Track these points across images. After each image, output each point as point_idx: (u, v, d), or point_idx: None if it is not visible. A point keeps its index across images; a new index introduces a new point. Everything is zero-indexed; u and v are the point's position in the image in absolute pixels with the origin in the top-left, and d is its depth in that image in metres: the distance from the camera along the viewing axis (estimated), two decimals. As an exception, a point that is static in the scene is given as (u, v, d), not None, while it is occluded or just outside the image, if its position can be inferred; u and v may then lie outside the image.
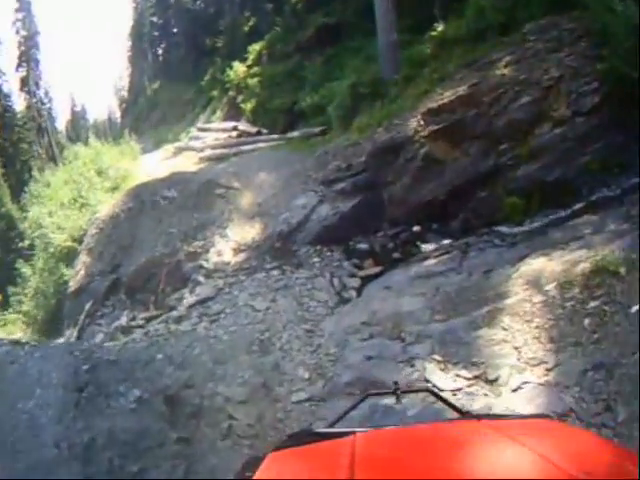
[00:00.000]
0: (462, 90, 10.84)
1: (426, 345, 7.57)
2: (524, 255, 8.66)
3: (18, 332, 20.11)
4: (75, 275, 16.62)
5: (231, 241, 12.55)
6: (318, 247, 11.54)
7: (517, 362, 6.75)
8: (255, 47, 24.93)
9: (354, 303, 9.69)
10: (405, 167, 11.61)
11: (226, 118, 24.33)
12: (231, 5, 29.64)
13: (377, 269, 10.74)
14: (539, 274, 7.81)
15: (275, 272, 10.92)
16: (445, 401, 2.87)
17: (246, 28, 27.09)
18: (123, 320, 13.48)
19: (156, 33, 39.59)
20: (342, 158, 13.11)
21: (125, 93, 45.14)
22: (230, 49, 27.48)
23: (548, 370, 6.49)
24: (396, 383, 3.14)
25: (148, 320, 12.46)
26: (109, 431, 7.36)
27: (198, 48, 33.52)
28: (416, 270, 9.91)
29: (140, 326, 12.53)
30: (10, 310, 21.26)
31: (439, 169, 11.14)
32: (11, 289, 21.27)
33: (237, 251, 12.22)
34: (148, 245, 14.65)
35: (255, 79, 23.01)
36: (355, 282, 10.40)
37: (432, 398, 4.60)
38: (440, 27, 13.54)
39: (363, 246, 11.50)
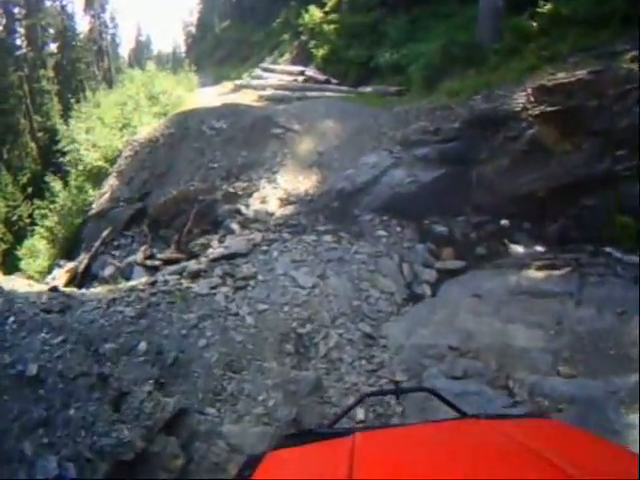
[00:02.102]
0: (582, 75, 8.63)
1: (548, 410, 4.91)
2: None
3: (40, 246, 18.28)
4: (99, 197, 14.24)
5: (280, 189, 9.82)
6: (385, 218, 8.76)
7: None
8: (335, -7, 21.75)
9: (430, 305, 7.01)
10: (504, 147, 9.10)
11: (294, 62, 21.54)
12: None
13: (458, 263, 8.01)
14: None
15: (328, 238, 8.16)
16: (445, 401, 2.45)
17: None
18: (138, 256, 10.98)
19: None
20: (429, 120, 10.24)
21: (193, 29, 42.49)
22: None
23: None
24: (396, 383, 3.71)
25: (165, 262, 9.95)
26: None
27: (272, -8, 30.45)
28: (516, 281, 7.21)
29: (155, 267, 10.11)
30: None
31: (544, 159, 8.72)
32: (37, 202, 19.02)
33: (285, 202, 9.47)
34: (184, 177, 12.18)
35: (332, 26, 20.16)
36: (430, 275, 7.68)
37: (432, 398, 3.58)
38: (547, 5, 11.43)
39: (441, 229, 8.71)
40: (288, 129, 11.63)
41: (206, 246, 8.99)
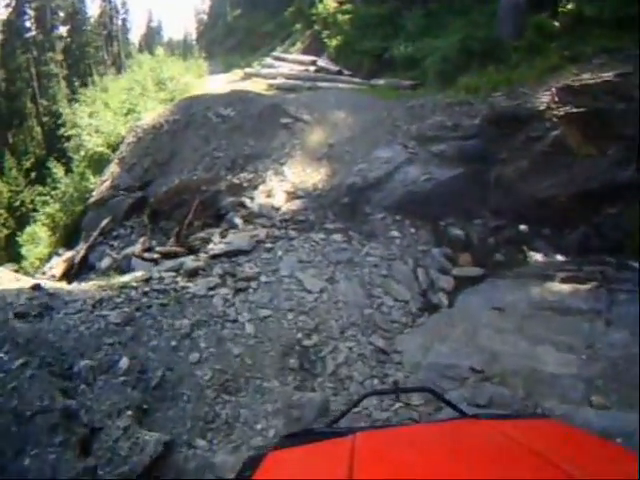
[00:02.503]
0: (608, 76, 8.25)
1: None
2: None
3: (41, 233, 17.71)
4: (100, 185, 13.59)
5: (287, 182, 9.16)
6: (398, 217, 8.10)
7: None
8: (351, -16, 20.98)
9: (448, 317, 6.37)
10: (526, 147, 8.53)
11: (306, 52, 20.79)
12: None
13: (476, 271, 7.37)
14: None
15: (338, 237, 7.50)
16: (445, 401, 2.51)
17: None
18: (136, 248, 10.38)
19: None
20: (446, 115, 9.56)
21: (204, 16, 41.74)
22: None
23: None
24: (396, 382, 3.51)
25: (163, 256, 9.34)
26: None
27: (285, -18, 29.63)
28: (540, 294, 6.58)
29: (153, 260, 9.49)
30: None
31: (567, 162, 8.19)
32: (39, 188, 18.42)
33: (292, 196, 8.81)
34: (187, 166, 11.56)
35: (346, 16, 19.51)
36: (447, 282, 7.03)
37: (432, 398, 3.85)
38: (569, 5, 11.16)
39: (457, 232, 8.07)
40: (298, 119, 10.95)
41: (207, 241, 8.35)
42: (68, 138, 17.40)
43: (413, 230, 7.81)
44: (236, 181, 9.68)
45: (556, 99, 8.49)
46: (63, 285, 8.11)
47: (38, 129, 27.36)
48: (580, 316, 6.03)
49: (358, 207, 8.36)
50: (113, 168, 13.40)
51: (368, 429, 1.96)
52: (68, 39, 31.49)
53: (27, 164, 26.11)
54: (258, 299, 6.05)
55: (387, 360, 5.25)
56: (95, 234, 12.29)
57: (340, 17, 19.71)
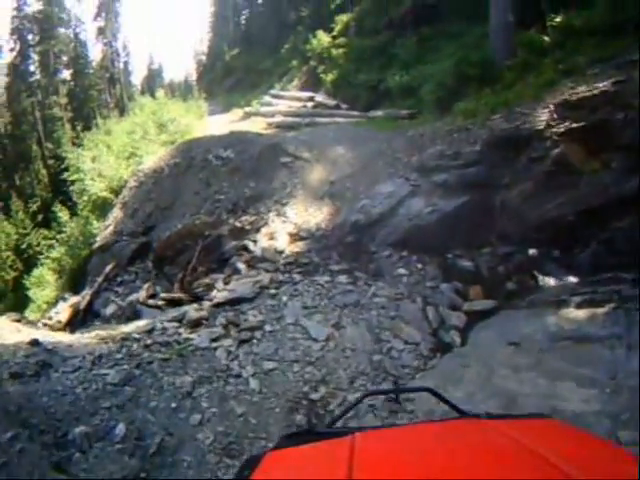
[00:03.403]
0: (605, 86, 7.87)
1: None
2: None
3: (48, 277, 17.53)
4: (104, 230, 13.43)
5: (290, 223, 8.91)
6: (404, 253, 7.81)
7: None
8: (343, 18, 21.61)
9: (461, 357, 5.96)
10: (529, 169, 8.19)
11: (303, 88, 20.85)
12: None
13: (488, 303, 6.99)
14: None
15: (343, 278, 7.20)
16: (445, 401, 2.35)
17: (332, 3, 23.27)
18: (141, 295, 10.11)
19: (240, 1, 36.39)
20: (446, 143, 9.34)
21: (203, 57, 42.17)
22: (315, 20, 23.96)
23: None
24: (396, 382, 3.49)
25: (168, 303, 9.09)
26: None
27: (281, 19, 30.19)
28: (556, 323, 6.15)
29: (157, 307, 9.23)
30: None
31: (571, 180, 7.82)
32: (44, 231, 18.34)
33: (295, 238, 8.55)
34: (189, 210, 11.33)
35: (340, 50, 19.62)
36: (458, 319, 6.64)
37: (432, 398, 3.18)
38: (558, 18, 10.88)
39: (466, 264, 7.73)
40: (297, 157, 10.77)
41: (210, 287, 8.07)
42: (72, 182, 17.33)
43: (420, 266, 7.50)
44: (238, 224, 9.45)
45: (554, 116, 8.19)
46: (64, 337, 7.79)
47: (44, 172, 27.37)
48: (600, 343, 5.58)
49: (363, 245, 8.09)
50: (116, 213, 13.23)
51: (367, 429, 1.91)
52: (72, 83, 31.75)
53: (34, 207, 26.03)
54: (262, 350, 5.71)
55: (399, 410, 4.87)
56: (100, 280, 12.04)
57: (334, 51, 19.83)
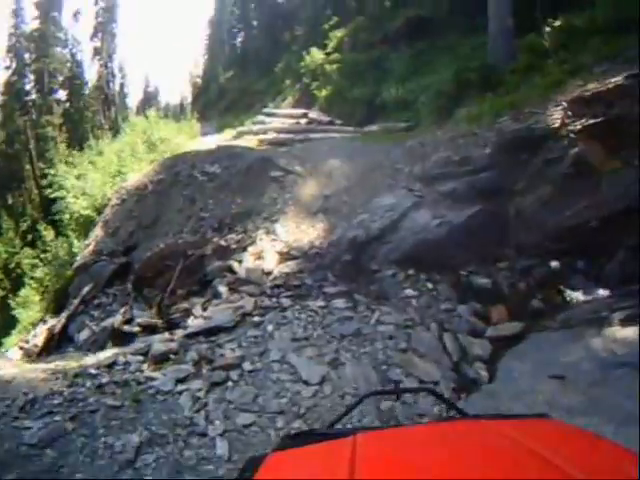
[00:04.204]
0: (617, 81, 7.15)
1: None
2: None
3: (33, 297, 16.27)
4: (84, 249, 12.17)
5: (279, 241, 7.70)
6: (411, 272, 6.59)
7: None
8: (337, 34, 20.75)
9: (491, 398, 4.70)
10: (544, 172, 7.27)
11: (296, 105, 19.75)
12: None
13: (514, 326, 5.78)
14: None
15: (340, 302, 5.96)
16: (445, 401, 2.52)
17: (327, 23, 22.48)
18: (117, 320, 8.91)
19: (235, 23, 35.68)
20: (451, 149, 8.26)
21: (199, 80, 41.28)
22: (308, 39, 23.03)
23: None
24: (396, 383, 3.34)
25: (144, 329, 7.88)
26: None
27: (276, 42, 29.26)
28: (604, 346, 5.02)
29: (133, 334, 7.94)
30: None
31: (592, 182, 6.93)
32: (27, 251, 17.14)
33: (285, 257, 7.34)
34: (172, 228, 10.19)
35: (334, 66, 18.72)
36: (482, 347, 5.40)
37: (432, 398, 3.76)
38: (556, 21, 10.38)
39: (482, 281, 6.58)
40: (289, 171, 9.60)
41: (188, 312, 6.81)
42: (54, 200, 16.14)
43: (431, 285, 6.28)
44: (223, 243, 8.24)
45: (569, 113, 7.33)
46: (17, 368, 6.51)
47: (36, 191, 26.21)
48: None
49: (362, 264, 6.88)
50: (97, 231, 12.02)
51: (369, 430, 1.79)
52: (67, 103, 30.70)
53: (24, 226, 24.86)
54: (238, 397, 4.42)
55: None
56: (76, 302, 10.83)
57: (328, 67, 18.97)
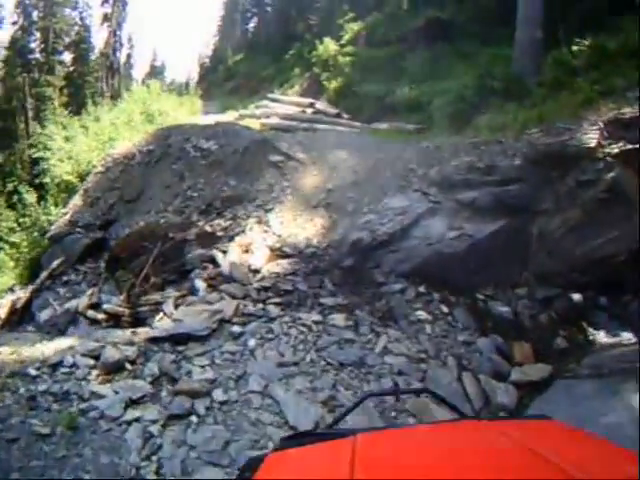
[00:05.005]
0: None
1: None
2: None
3: (8, 262, 14.81)
4: (60, 217, 10.84)
5: (272, 234, 6.48)
6: (422, 289, 5.46)
7: None
8: (353, 26, 19.36)
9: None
10: (575, 193, 6.28)
11: (304, 94, 18.44)
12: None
13: (542, 370, 4.71)
14: None
15: (339, 319, 4.79)
16: (445, 402, 2.33)
17: (342, 18, 21.19)
18: (82, 302, 7.71)
19: (250, 7, 34.16)
20: (474, 155, 7.08)
21: (207, 60, 39.70)
22: (322, 29, 21.73)
23: None
24: (396, 384, 3.17)
25: (110, 317, 6.69)
26: None
27: (288, 30, 27.78)
28: None
29: (97, 321, 6.93)
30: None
31: (626, 211, 6.02)
32: (7, 213, 15.59)
33: (277, 253, 6.12)
34: (156, 205, 8.95)
35: (347, 58, 17.49)
36: (507, 394, 4.33)
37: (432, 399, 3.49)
38: (586, 41, 9.58)
39: (502, 310, 5.47)
40: (290, 157, 8.37)
41: (154, 309, 5.58)
42: (31, 162, 14.66)
43: (446, 309, 5.13)
44: (208, 228, 7.00)
45: (605, 134, 6.45)
46: None
47: (28, 151, 24.59)
48: None
49: (366, 273, 5.70)
50: (76, 200, 10.67)
51: (368, 430, 1.65)
52: (72, 67, 29.01)
53: (10, 187, 23.15)
54: (202, 442, 3.20)
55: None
56: (42, 276, 9.58)
57: (341, 59, 17.73)
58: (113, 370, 4.14)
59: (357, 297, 5.20)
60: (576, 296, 5.87)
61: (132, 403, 3.63)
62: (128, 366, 4.16)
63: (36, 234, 13.51)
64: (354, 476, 1.13)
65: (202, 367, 3.98)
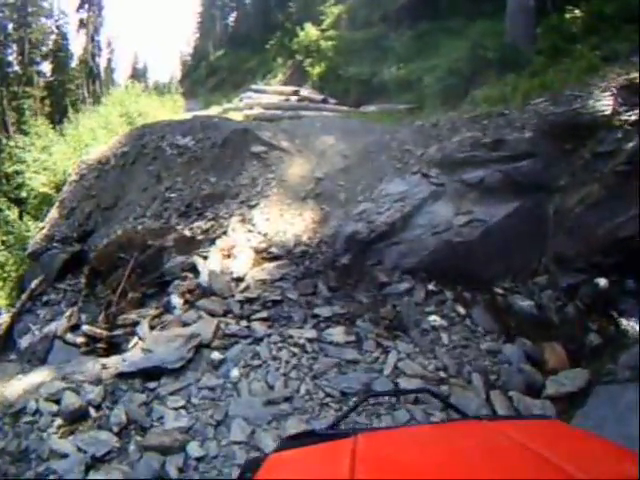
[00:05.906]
0: None
1: None
2: None
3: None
4: (38, 232, 10.03)
5: (257, 234, 5.64)
6: (432, 286, 4.63)
7: None
8: (334, 10, 18.42)
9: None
10: (593, 167, 5.50)
11: (287, 83, 17.55)
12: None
13: (579, 376, 3.90)
14: None
15: (338, 334, 3.99)
16: (445, 401, 2.33)
17: (323, 5, 20.18)
18: (61, 325, 6.92)
19: (228, 2, 32.98)
20: (478, 130, 6.23)
21: (189, 58, 38.49)
22: (303, 16, 20.69)
23: None
24: (396, 384, 3.07)
25: (90, 339, 5.84)
26: None
27: (268, 19, 26.71)
28: None
29: (76, 345, 6.11)
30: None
31: None
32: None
33: (263, 256, 5.26)
34: (133, 211, 8.04)
35: (329, 42, 16.61)
36: (543, 411, 3.37)
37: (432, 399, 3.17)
38: (580, 6, 9.08)
39: (524, 304, 4.60)
40: (273, 146, 7.49)
41: (128, 331, 4.74)
42: (7, 177, 13.74)
43: (462, 310, 4.30)
44: (188, 233, 6.16)
45: (620, 100, 5.75)
46: None
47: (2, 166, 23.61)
48: None
49: (366, 272, 4.86)
50: (53, 212, 9.82)
51: (369, 430, 1.72)
52: (51, 76, 27.92)
53: (-10, 202, 22.23)
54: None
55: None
56: (23, 298, 8.75)
57: (323, 44, 16.82)
58: (76, 419, 3.33)
59: (357, 303, 4.36)
60: (602, 281, 5.01)
61: (95, 462, 2.83)
62: (93, 412, 3.35)
63: (20, 252, 12.71)
64: (354, 476, 1.10)
65: (175, 410, 3.18)
